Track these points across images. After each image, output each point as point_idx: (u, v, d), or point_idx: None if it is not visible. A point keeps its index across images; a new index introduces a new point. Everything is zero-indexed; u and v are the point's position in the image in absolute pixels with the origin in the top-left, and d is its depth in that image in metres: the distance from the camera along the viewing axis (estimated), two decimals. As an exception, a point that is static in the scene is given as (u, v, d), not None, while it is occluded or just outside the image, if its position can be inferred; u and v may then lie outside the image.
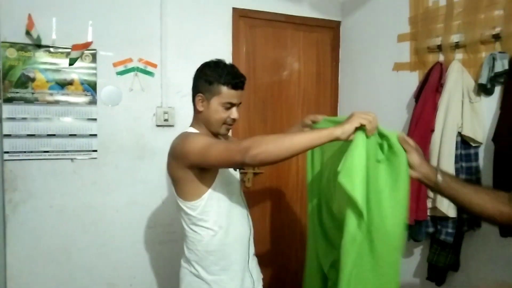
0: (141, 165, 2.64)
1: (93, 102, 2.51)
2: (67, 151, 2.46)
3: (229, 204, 1.61)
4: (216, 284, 1.58)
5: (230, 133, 1.98)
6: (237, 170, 1.75)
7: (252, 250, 1.74)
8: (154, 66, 2.64)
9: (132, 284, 2.66)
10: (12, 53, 2.29)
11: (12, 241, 2.37)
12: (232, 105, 1.57)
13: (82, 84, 2.47)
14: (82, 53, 2.45)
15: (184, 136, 1.55)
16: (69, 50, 2.41)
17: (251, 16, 2.89)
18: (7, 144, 2.32)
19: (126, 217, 2.62)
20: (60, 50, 2.40)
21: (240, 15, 2.85)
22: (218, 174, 1.57)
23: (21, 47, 2.31)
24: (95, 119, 2.52)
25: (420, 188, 2.19)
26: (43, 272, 2.43)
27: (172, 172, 1.58)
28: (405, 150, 1.26)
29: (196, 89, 1.61)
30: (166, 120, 2.65)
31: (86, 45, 2.45)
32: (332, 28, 3.18)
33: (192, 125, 1.67)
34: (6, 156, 2.32)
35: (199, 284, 1.60)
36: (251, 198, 2.98)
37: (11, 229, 2.36)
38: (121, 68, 2.56)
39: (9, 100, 2.31)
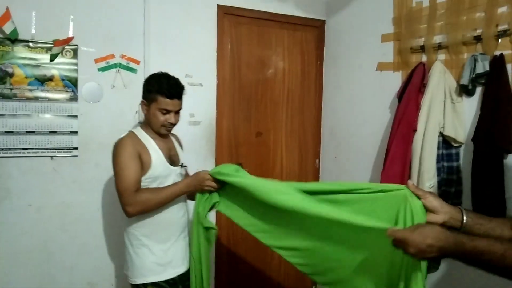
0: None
1: (73, 98, 2.46)
2: (46, 149, 2.40)
3: None
4: (145, 247, 1.88)
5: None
6: (180, 165, 2.00)
7: (178, 233, 1.97)
8: (137, 62, 2.61)
9: (113, 283, 2.63)
10: (-11, 47, 2.23)
11: (-11, 241, 2.31)
12: (167, 111, 1.84)
13: (62, 80, 2.42)
14: (63, 49, 2.40)
15: (117, 143, 1.83)
16: (49, 45, 2.36)
17: (236, 14, 2.87)
18: (-16, 141, 2.26)
19: (107, 216, 2.58)
20: (39, 45, 2.34)
21: (225, 12, 2.83)
22: (149, 169, 1.82)
23: (-1, 41, 2.25)
24: (75, 116, 2.47)
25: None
26: (22, 272, 2.38)
27: None
28: (418, 198, 1.20)
29: (142, 96, 1.90)
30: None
31: (68, 41, 2.40)
32: (316, 27, 3.18)
33: (140, 125, 2.00)
34: (-17, 153, 2.26)
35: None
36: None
37: (-12, 228, 2.30)
38: (103, 64, 2.52)
39: (-14, 96, 2.25)
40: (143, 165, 1.81)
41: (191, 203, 2.04)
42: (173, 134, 2.11)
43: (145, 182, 1.83)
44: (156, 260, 1.87)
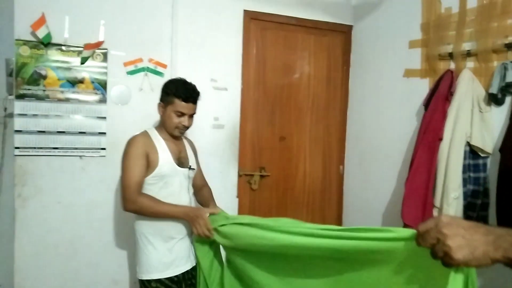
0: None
1: (103, 100, 2.54)
2: (76, 148, 2.49)
3: (165, 192, 1.93)
4: (151, 245, 1.95)
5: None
6: (188, 168, 2.04)
7: (181, 234, 1.99)
8: (164, 66, 2.66)
9: (136, 281, 2.68)
10: (25, 50, 2.34)
11: (20, 235, 2.41)
12: (182, 114, 1.94)
13: (92, 82, 2.51)
14: (94, 52, 2.49)
15: (129, 140, 1.95)
16: (81, 48, 2.45)
17: (262, 19, 2.89)
18: (18, 140, 2.37)
19: (131, 215, 2.63)
20: (71, 48, 2.44)
21: (251, 18, 2.85)
22: (156, 168, 1.90)
23: (34, 45, 2.35)
24: (104, 118, 2.55)
25: (426, 196, 2.17)
26: (49, 266, 2.48)
27: None
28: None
29: (160, 98, 2.00)
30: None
31: (98, 44, 2.49)
32: (343, 32, 3.16)
33: (155, 126, 2.07)
34: (16, 152, 2.37)
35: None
36: (257, 200, 2.99)
37: (19, 223, 2.41)
38: (131, 67, 2.59)
39: (21, 97, 2.35)
40: (151, 163, 1.90)
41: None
42: (186, 138, 2.22)
43: (152, 180, 1.91)
44: (160, 258, 1.93)
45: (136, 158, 1.87)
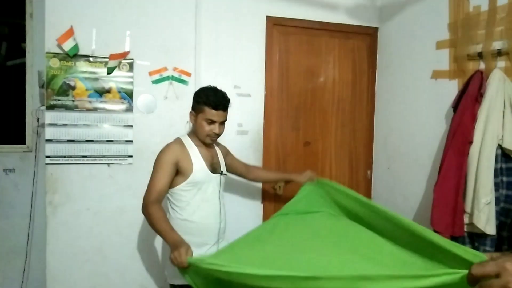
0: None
1: (129, 109, 2.60)
2: (104, 156, 2.56)
3: (199, 198, 1.99)
4: None
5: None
6: (220, 173, 2.09)
7: (216, 238, 2.04)
8: (188, 74, 2.70)
9: (163, 287, 2.72)
10: (55, 62, 2.42)
11: (52, 241, 2.49)
12: (213, 121, 1.97)
13: (119, 92, 2.57)
14: (120, 62, 2.55)
15: (163, 147, 2.01)
16: (107, 59, 2.52)
17: (285, 24, 2.88)
18: (49, 149, 2.45)
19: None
20: (99, 59, 2.51)
21: (274, 23, 2.85)
22: (190, 175, 1.95)
23: (64, 57, 2.44)
24: (131, 126, 2.61)
25: (456, 201, 2.08)
26: (79, 271, 2.54)
27: None
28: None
29: (192, 107, 2.06)
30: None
31: (124, 55, 2.55)
32: (369, 35, 3.10)
33: (188, 133, 2.13)
34: (47, 160, 2.45)
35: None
36: (282, 206, 2.96)
37: (51, 229, 2.48)
38: (156, 76, 2.64)
39: (51, 107, 2.44)
40: (184, 171, 1.95)
41: (228, 210, 2.20)
42: (219, 144, 2.25)
43: (187, 187, 1.97)
44: None
45: (164, 165, 1.91)
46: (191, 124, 2.09)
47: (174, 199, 2.02)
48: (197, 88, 2.65)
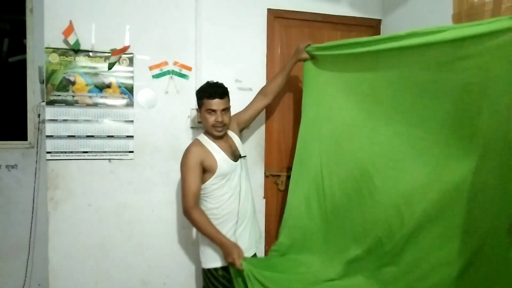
0: (176, 166, 2.61)
1: (130, 104, 2.58)
2: (105, 152, 2.55)
3: (227, 187, 2.14)
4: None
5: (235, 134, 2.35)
6: (237, 161, 2.19)
7: (240, 221, 2.17)
8: (189, 69, 2.67)
9: (165, 282, 2.71)
10: (54, 58, 2.41)
11: (54, 237, 2.49)
12: (213, 111, 2.07)
13: (119, 87, 2.55)
14: (120, 57, 2.53)
15: (185, 151, 2.13)
16: (107, 54, 2.50)
17: (286, 17, 2.85)
18: (50, 145, 2.44)
19: (160, 217, 2.68)
20: (98, 54, 2.49)
21: (275, 16, 2.82)
22: (216, 170, 2.08)
23: (63, 52, 2.42)
24: (131, 121, 2.59)
25: None
26: (81, 267, 2.54)
27: None
28: None
29: (197, 105, 2.21)
30: (200, 122, 2.67)
31: (124, 50, 2.53)
32: (372, 27, 3.06)
33: (203, 132, 2.24)
34: (48, 156, 2.45)
35: None
36: (285, 201, 2.93)
37: (52, 225, 2.48)
38: (157, 71, 2.62)
39: (51, 103, 2.43)
40: (210, 168, 2.08)
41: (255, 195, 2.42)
42: (230, 131, 2.32)
43: (215, 181, 2.09)
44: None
45: (191, 169, 2.04)
46: (194, 119, 2.25)
47: (206, 194, 2.13)
48: (198, 82, 2.67)
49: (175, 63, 2.65)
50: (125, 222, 2.62)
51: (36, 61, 3.04)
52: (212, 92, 2.08)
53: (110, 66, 2.51)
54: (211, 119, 2.09)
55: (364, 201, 2.03)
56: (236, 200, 2.16)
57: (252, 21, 2.78)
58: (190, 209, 2.00)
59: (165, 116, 2.66)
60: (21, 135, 3.13)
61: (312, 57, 2.35)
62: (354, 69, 2.12)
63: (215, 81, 2.18)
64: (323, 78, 2.31)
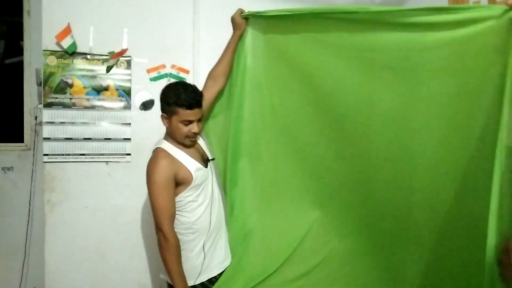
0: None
1: (127, 107, 2.58)
2: (102, 154, 2.55)
3: (202, 196, 1.93)
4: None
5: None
6: (207, 166, 2.00)
7: (216, 230, 1.98)
8: (187, 72, 2.69)
9: (162, 286, 2.71)
10: (52, 60, 2.41)
11: (50, 239, 2.48)
12: (190, 121, 1.82)
13: (117, 89, 2.56)
14: (118, 60, 2.54)
15: (150, 161, 1.86)
16: (105, 57, 2.50)
17: (284, 21, 2.86)
18: (47, 147, 2.44)
19: (157, 220, 2.67)
20: (96, 57, 2.49)
21: (273, 20, 2.83)
22: (192, 181, 1.85)
23: (61, 55, 2.42)
24: (129, 124, 2.59)
25: None
26: (78, 269, 2.53)
27: None
28: None
29: (161, 109, 1.89)
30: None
31: (122, 52, 2.53)
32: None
33: (165, 137, 1.95)
34: (45, 158, 2.44)
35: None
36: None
37: (49, 227, 2.47)
38: (154, 74, 2.63)
39: (49, 105, 2.43)
40: (185, 180, 1.83)
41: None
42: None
43: (190, 192, 1.87)
44: (197, 263, 1.92)
45: (164, 188, 1.77)
46: (167, 127, 1.93)
47: (180, 208, 1.88)
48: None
49: (173, 66, 2.66)
50: (121, 224, 2.61)
51: (33, 63, 3.04)
52: (191, 102, 1.79)
53: (108, 69, 2.52)
54: (185, 129, 1.83)
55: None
56: (213, 208, 1.97)
57: (249, 25, 2.79)
58: (167, 234, 1.76)
59: (162, 119, 2.66)
60: (18, 137, 3.13)
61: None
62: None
63: (186, 83, 1.96)
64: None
